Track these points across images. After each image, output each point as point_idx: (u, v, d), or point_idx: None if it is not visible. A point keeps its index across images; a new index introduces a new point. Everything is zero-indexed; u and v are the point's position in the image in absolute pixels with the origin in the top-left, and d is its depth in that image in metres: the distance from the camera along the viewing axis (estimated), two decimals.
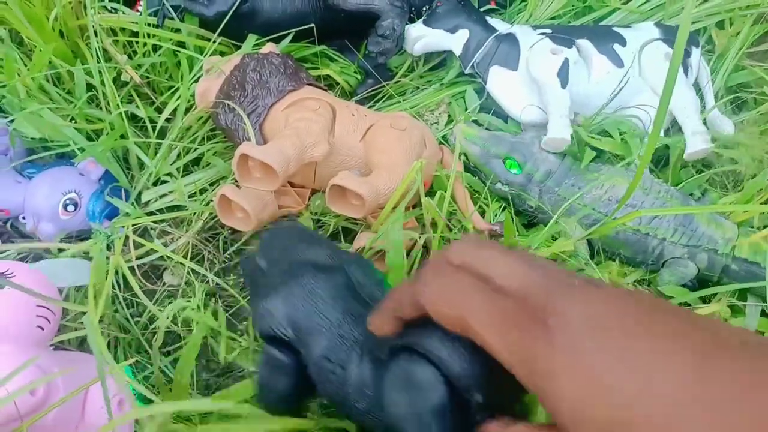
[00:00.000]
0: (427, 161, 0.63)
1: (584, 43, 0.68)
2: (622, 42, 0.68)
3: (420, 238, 0.59)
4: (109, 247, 0.62)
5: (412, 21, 0.76)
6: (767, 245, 0.56)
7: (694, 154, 0.64)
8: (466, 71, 0.71)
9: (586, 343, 0.25)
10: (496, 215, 0.64)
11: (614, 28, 0.70)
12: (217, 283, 0.63)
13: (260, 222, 0.64)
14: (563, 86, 0.65)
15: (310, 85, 0.68)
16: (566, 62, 0.66)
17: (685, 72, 0.68)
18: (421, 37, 0.71)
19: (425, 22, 0.72)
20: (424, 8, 0.75)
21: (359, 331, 0.38)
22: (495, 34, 0.70)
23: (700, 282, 0.60)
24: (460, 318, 0.29)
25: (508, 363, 0.27)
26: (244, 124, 0.64)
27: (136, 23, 0.71)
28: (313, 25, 0.73)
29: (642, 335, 0.25)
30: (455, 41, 0.71)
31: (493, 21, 0.72)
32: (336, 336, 0.39)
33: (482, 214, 0.65)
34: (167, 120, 0.71)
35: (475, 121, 0.71)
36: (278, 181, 0.58)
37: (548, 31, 0.69)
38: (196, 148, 0.70)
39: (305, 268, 0.43)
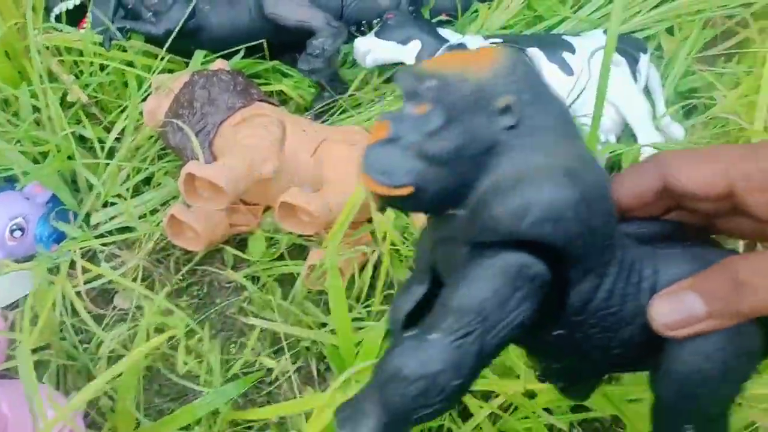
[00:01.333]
0: None
1: (534, 51, 0.68)
2: (571, 50, 0.68)
3: (372, 253, 0.58)
4: (55, 272, 0.60)
5: (363, 34, 0.76)
6: None
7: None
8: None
9: None
10: None
11: (564, 37, 0.70)
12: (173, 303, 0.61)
13: (211, 241, 0.63)
14: None
15: (261, 101, 0.68)
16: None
17: (634, 78, 0.68)
18: (372, 50, 0.71)
19: (377, 34, 0.72)
20: (375, 21, 0.74)
21: None
22: (446, 45, 0.70)
23: None
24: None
25: None
26: (193, 142, 0.62)
27: (81, 42, 0.70)
28: (263, 40, 0.73)
29: None
30: (407, 53, 0.71)
31: (444, 31, 0.72)
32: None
33: None
34: (117, 140, 0.69)
35: None
36: (227, 200, 0.57)
37: (498, 40, 0.70)
38: (146, 168, 0.68)
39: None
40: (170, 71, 0.74)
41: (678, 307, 0.26)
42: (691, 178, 0.27)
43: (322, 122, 0.73)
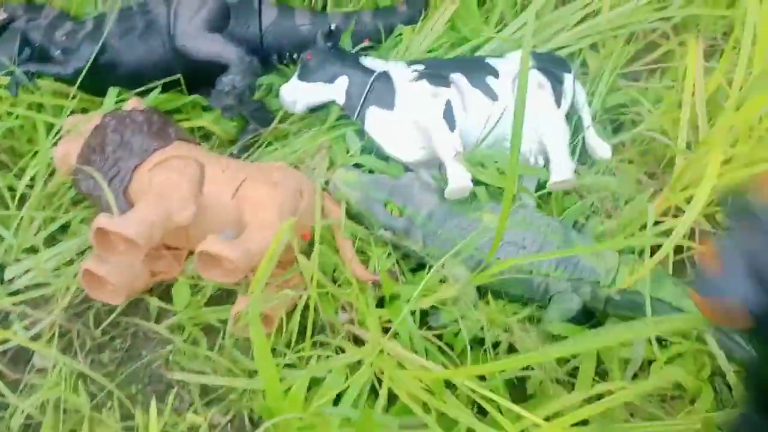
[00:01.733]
0: (305, 213, 0.60)
1: (457, 77, 0.67)
2: (495, 74, 0.67)
3: (300, 298, 0.56)
4: None
5: (285, 64, 0.74)
6: (648, 272, 0.56)
7: (557, 184, 0.64)
8: (356, 118, 0.69)
9: None
10: (380, 262, 0.62)
11: (487, 60, 0.69)
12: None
13: (132, 293, 0.61)
14: (452, 129, 0.64)
15: (180, 140, 0.65)
16: (449, 103, 0.64)
17: (558, 100, 0.67)
18: (299, 96, 0.68)
19: (300, 78, 0.69)
20: (295, 55, 0.72)
21: None
22: (374, 75, 0.68)
23: (588, 314, 0.60)
24: None
25: None
26: (105, 191, 0.59)
27: None
28: (179, 75, 0.70)
29: None
30: (336, 91, 0.69)
31: (367, 61, 0.70)
32: None
33: (366, 261, 0.62)
34: (30, 186, 0.66)
35: (358, 165, 0.69)
36: (142, 253, 0.54)
37: (421, 67, 0.68)
38: (61, 217, 0.65)
39: None
40: (84, 110, 0.70)
41: None
42: None
43: (248, 156, 0.71)
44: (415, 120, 0.65)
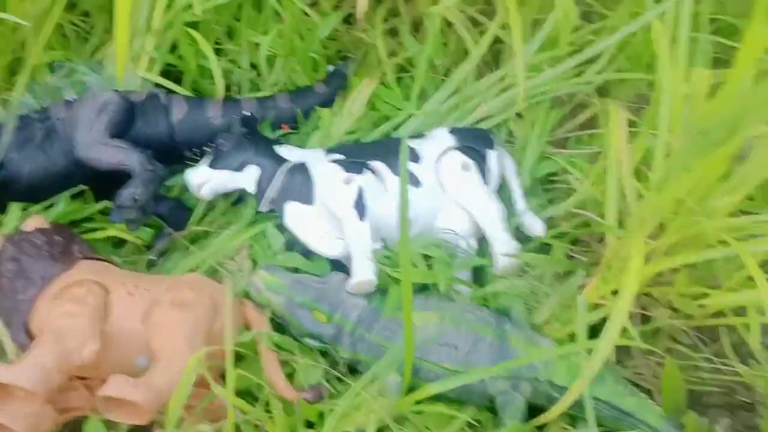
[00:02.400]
0: (223, 329, 0.56)
1: (377, 165, 0.64)
2: (415, 158, 0.65)
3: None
4: None
5: (196, 160, 0.71)
6: (585, 361, 0.53)
7: (504, 269, 0.62)
8: (262, 209, 0.66)
9: None
10: (308, 374, 0.59)
11: (408, 142, 0.66)
12: None
13: None
14: (362, 218, 0.61)
15: (87, 258, 0.61)
16: (360, 191, 0.62)
17: (485, 177, 0.65)
18: (206, 182, 0.65)
19: (209, 164, 0.66)
20: (212, 145, 0.69)
21: None
22: (286, 166, 0.66)
23: (534, 410, 0.56)
24: None
25: None
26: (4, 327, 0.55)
27: None
28: (82, 186, 0.66)
29: None
30: (245, 179, 0.66)
31: (283, 149, 0.67)
32: None
33: (291, 375, 0.59)
34: None
35: (284, 261, 0.65)
36: (41, 399, 0.50)
37: (339, 156, 0.65)
38: None
39: None
40: None
41: None
42: None
43: (165, 262, 0.67)
44: (329, 209, 0.63)
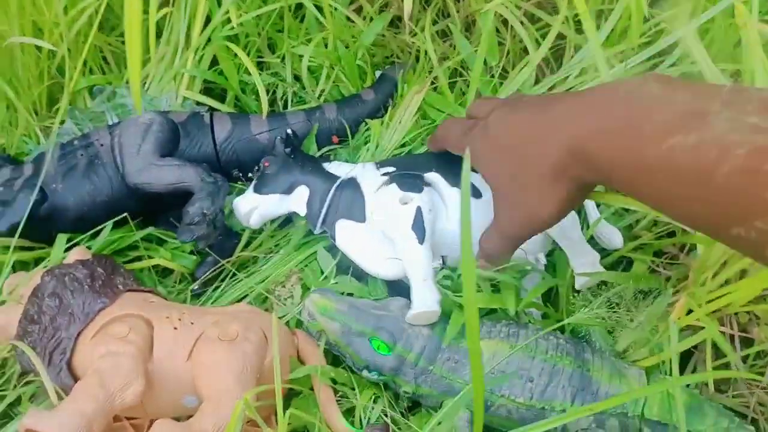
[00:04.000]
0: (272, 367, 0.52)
1: (433, 177, 0.59)
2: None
3: None
4: None
5: (245, 180, 0.67)
6: (681, 392, 0.46)
7: (586, 283, 0.55)
8: (317, 232, 0.61)
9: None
10: (368, 410, 0.54)
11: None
12: None
13: None
14: (421, 241, 0.55)
15: (130, 291, 0.58)
16: (419, 211, 0.56)
17: None
18: (254, 209, 0.61)
19: (255, 189, 0.62)
20: (255, 169, 0.65)
21: None
22: (337, 183, 0.61)
23: None
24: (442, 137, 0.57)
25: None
26: (40, 370, 0.52)
27: None
28: (126, 213, 0.63)
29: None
30: (295, 202, 0.61)
31: (332, 166, 0.63)
32: None
33: (350, 411, 0.54)
34: None
35: (335, 284, 0.60)
36: None
37: (392, 169, 0.60)
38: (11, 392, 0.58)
39: None
40: (36, 263, 0.63)
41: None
42: None
43: (212, 292, 0.63)
44: (386, 234, 0.57)
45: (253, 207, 0.61)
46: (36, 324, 0.55)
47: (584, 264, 0.56)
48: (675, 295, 0.54)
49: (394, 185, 0.58)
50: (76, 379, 0.53)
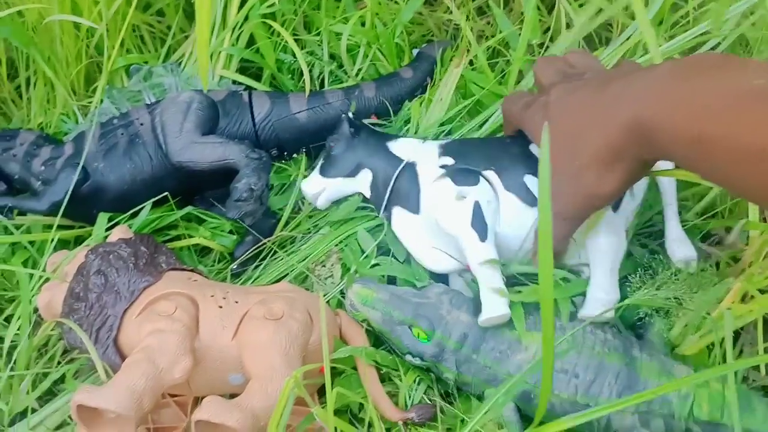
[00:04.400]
0: (319, 344, 0.52)
1: (491, 177, 0.55)
2: (536, 171, 0.52)
3: None
4: None
5: (282, 159, 0.67)
6: (731, 393, 0.45)
7: (587, 315, 0.52)
8: (382, 216, 0.61)
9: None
10: (412, 392, 0.54)
11: (531, 148, 0.56)
12: None
13: None
14: (483, 238, 0.52)
15: (173, 269, 0.58)
16: (477, 206, 0.53)
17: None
18: (321, 192, 0.62)
19: (321, 172, 0.62)
20: (304, 150, 0.65)
21: None
22: (401, 166, 0.59)
23: None
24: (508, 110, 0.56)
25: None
26: (89, 348, 0.52)
27: None
28: (166, 193, 0.63)
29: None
30: (359, 184, 0.61)
31: (397, 145, 0.61)
32: None
33: (396, 392, 0.54)
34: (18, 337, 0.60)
35: (376, 265, 0.60)
36: (133, 423, 0.47)
37: (450, 161, 0.57)
38: (54, 370, 0.58)
39: None
40: (79, 240, 0.64)
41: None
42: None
43: (252, 270, 0.63)
44: (444, 231, 0.55)
45: (320, 190, 0.61)
46: (82, 302, 0.55)
47: (597, 298, 0.52)
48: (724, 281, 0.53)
49: (448, 180, 0.55)
50: (122, 356, 0.53)
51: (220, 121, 0.65)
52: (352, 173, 0.61)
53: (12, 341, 0.59)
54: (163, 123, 0.63)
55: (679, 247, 0.55)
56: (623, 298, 0.52)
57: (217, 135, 0.63)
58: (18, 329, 0.59)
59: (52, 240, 0.61)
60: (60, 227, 0.61)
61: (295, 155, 0.69)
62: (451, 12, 0.71)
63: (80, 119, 0.71)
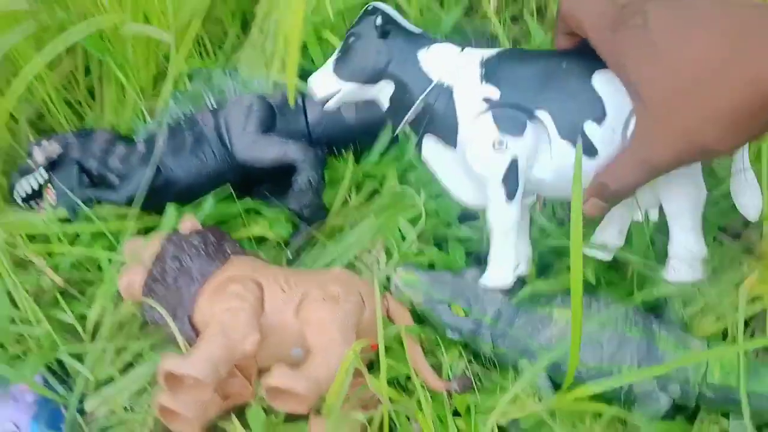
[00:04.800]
0: (370, 322, 0.59)
1: (544, 117, 0.48)
2: (600, 114, 0.47)
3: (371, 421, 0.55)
4: None
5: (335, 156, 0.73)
6: (740, 359, 0.51)
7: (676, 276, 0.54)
8: (397, 132, 0.54)
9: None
10: (453, 365, 0.60)
11: (594, 80, 0.47)
12: None
13: (206, 420, 0.60)
14: (511, 196, 0.50)
15: (236, 254, 0.65)
16: (515, 164, 0.48)
17: None
18: (334, 94, 0.53)
19: (336, 69, 0.53)
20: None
21: None
22: (428, 88, 0.51)
23: (678, 408, 0.55)
24: (578, 20, 0.44)
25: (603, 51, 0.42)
26: (170, 324, 0.60)
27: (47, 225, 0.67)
28: (227, 184, 0.70)
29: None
30: (378, 93, 0.53)
31: (429, 54, 0.51)
32: None
33: (438, 365, 0.60)
34: (101, 316, 0.67)
35: (419, 253, 0.66)
36: (210, 388, 0.54)
37: (497, 93, 0.49)
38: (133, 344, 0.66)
39: None
40: (149, 230, 0.71)
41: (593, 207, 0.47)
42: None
43: (303, 257, 0.70)
44: (473, 167, 0.51)
45: (332, 92, 0.53)
46: (160, 283, 0.62)
47: (681, 258, 0.51)
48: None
49: (490, 118, 0.48)
50: (195, 331, 0.61)
51: (277, 121, 0.72)
52: (371, 80, 0.52)
53: (95, 321, 0.66)
54: (228, 124, 0.70)
55: (748, 194, 0.50)
56: None
57: (275, 134, 0.70)
58: (103, 307, 0.66)
59: (132, 229, 0.68)
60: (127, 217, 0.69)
61: (343, 152, 0.75)
62: (487, 18, 0.77)
63: (148, 119, 0.78)
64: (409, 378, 0.59)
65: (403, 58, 0.51)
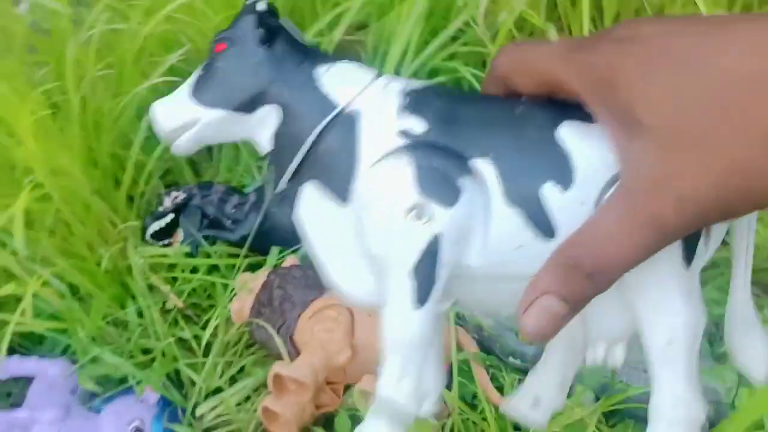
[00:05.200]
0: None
1: (485, 171, 0.29)
2: (565, 177, 0.29)
3: (445, 425, 0.64)
4: None
5: None
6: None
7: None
8: (278, 191, 0.36)
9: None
10: (513, 386, 0.70)
11: (560, 131, 0.29)
12: None
13: (302, 423, 0.71)
14: (420, 299, 0.29)
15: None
16: (435, 243, 0.28)
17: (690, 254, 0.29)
18: (187, 125, 0.33)
19: (194, 92, 0.33)
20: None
21: None
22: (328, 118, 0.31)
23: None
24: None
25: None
26: (276, 340, 0.72)
27: (175, 256, 0.82)
28: None
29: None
30: (256, 128, 0.33)
31: (331, 73, 0.32)
32: None
33: (500, 388, 0.70)
34: (213, 336, 0.80)
35: None
36: (311, 392, 0.65)
37: (422, 126, 0.30)
38: (238, 360, 0.78)
39: None
40: (256, 266, 0.84)
41: (543, 313, 0.27)
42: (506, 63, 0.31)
43: None
44: (369, 241, 0.30)
45: (185, 122, 0.33)
46: (267, 307, 0.75)
47: (671, 418, 0.30)
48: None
49: (408, 167, 0.29)
50: (296, 348, 0.72)
51: None
52: (248, 106, 0.33)
53: (207, 341, 0.79)
54: None
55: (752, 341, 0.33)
56: None
57: None
58: (214, 329, 0.79)
59: (239, 265, 0.82)
60: (236, 255, 0.82)
61: None
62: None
63: (256, 175, 0.93)
64: (475, 395, 0.69)
65: (294, 75, 0.33)
